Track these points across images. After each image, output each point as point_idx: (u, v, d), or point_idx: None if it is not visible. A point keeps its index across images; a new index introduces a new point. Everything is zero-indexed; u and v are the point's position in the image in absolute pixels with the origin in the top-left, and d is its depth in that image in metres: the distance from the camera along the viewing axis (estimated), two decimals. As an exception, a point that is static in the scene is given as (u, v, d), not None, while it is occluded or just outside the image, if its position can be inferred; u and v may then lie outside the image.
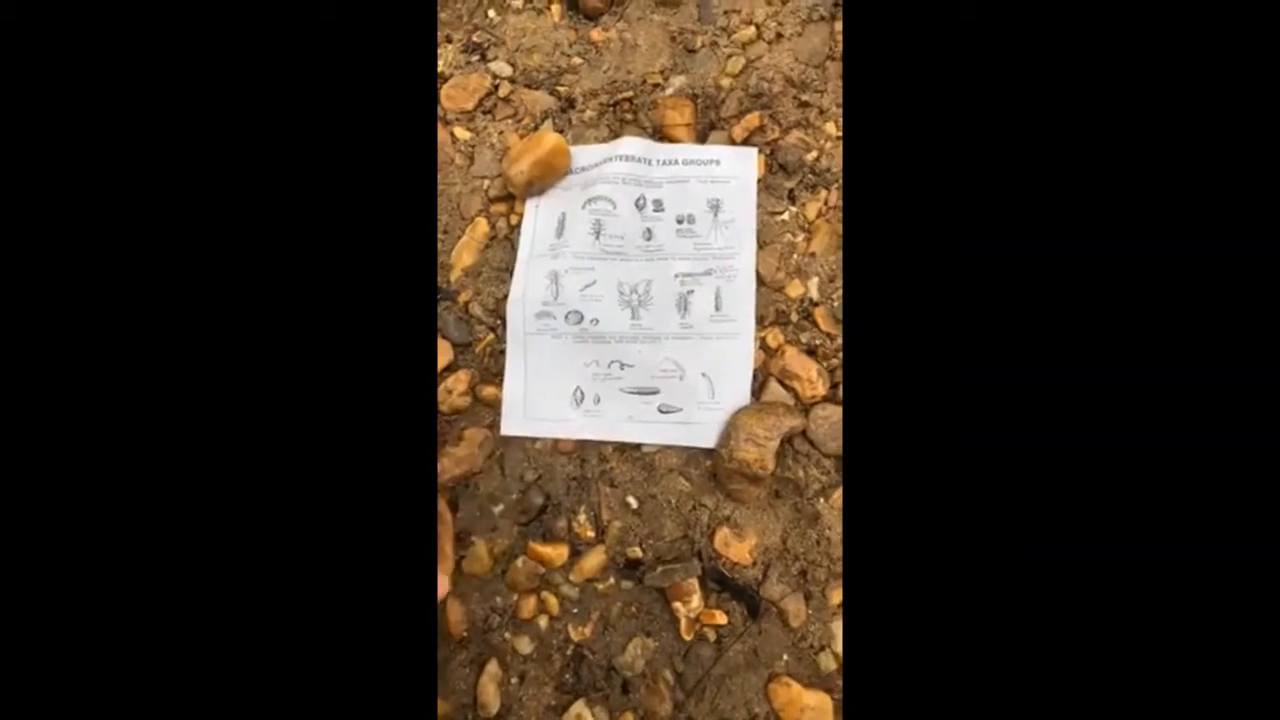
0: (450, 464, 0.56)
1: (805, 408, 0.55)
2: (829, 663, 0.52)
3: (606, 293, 0.59)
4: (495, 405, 0.58)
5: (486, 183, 0.64)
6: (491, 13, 0.70)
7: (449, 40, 0.69)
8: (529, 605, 0.54)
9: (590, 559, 0.55)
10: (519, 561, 0.55)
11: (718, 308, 0.58)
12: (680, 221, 0.60)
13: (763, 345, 0.57)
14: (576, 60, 0.67)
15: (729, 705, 0.51)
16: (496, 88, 0.67)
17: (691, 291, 0.58)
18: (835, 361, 0.56)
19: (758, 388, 0.57)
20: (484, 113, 0.67)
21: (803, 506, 0.54)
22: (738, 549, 0.54)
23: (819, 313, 0.58)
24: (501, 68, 0.67)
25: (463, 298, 0.61)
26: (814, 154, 0.62)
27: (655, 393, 0.57)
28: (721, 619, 0.53)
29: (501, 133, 0.65)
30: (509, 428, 0.57)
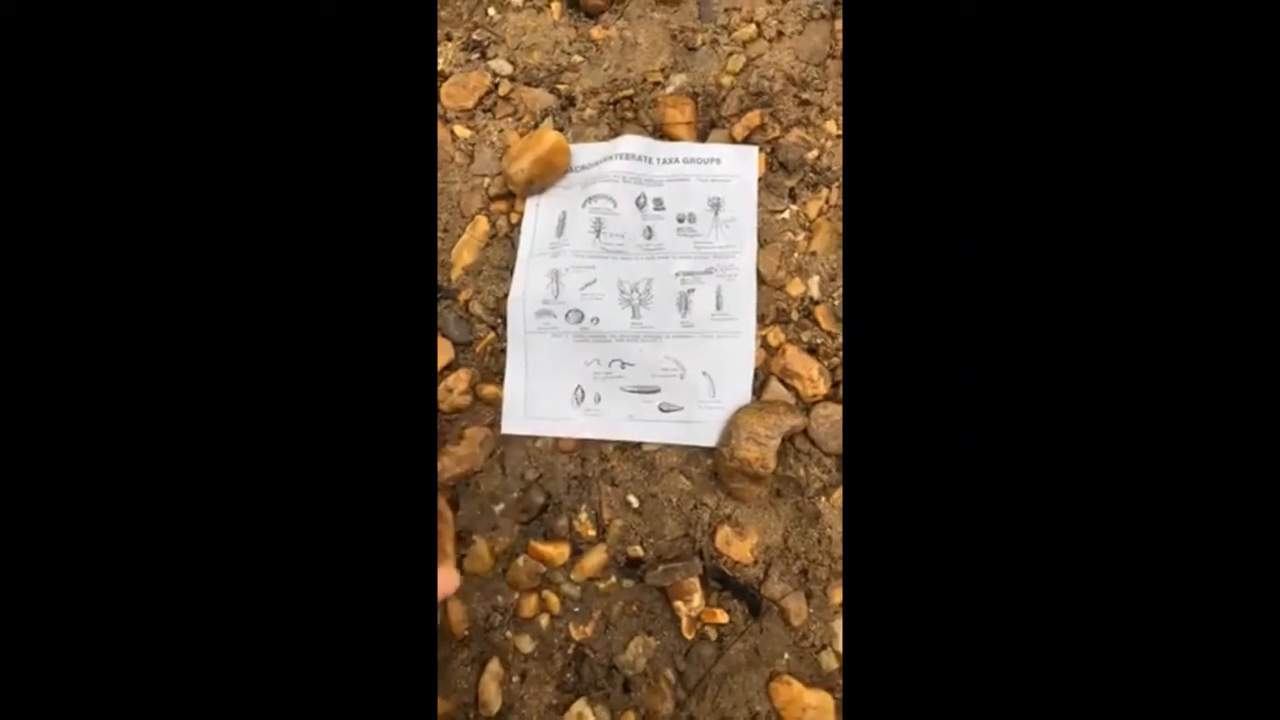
0: (451, 463, 0.56)
1: (806, 406, 0.55)
2: (830, 662, 0.52)
3: (607, 291, 0.59)
4: (496, 404, 0.58)
5: (487, 181, 0.64)
6: (491, 11, 0.70)
7: (449, 38, 0.69)
8: (530, 604, 0.54)
9: (591, 558, 0.55)
10: (520, 560, 0.55)
11: (718, 306, 0.58)
12: (681, 220, 0.60)
13: (764, 344, 0.57)
14: (577, 58, 0.67)
15: (730, 704, 0.51)
16: (496, 86, 0.67)
17: (692, 290, 0.58)
18: (836, 360, 0.56)
19: (759, 386, 0.56)
20: (484, 111, 0.66)
21: (804, 505, 0.54)
22: (739, 548, 0.54)
23: (820, 311, 0.58)
24: (502, 66, 0.67)
25: (463, 296, 0.61)
26: (815, 152, 0.61)
27: (656, 391, 0.57)
28: (723, 618, 0.53)
29: (502, 131, 0.65)
30: (510, 426, 0.57)
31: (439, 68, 0.68)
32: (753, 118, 0.62)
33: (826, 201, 0.60)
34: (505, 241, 0.62)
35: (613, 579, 0.55)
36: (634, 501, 0.56)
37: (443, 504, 0.55)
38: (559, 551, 0.55)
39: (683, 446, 0.56)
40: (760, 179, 0.61)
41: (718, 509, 0.55)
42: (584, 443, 0.57)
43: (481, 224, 0.62)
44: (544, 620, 0.54)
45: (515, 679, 0.53)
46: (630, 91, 0.65)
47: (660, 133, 0.63)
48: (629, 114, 0.65)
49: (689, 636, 0.53)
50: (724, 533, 0.54)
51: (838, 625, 0.52)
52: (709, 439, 0.56)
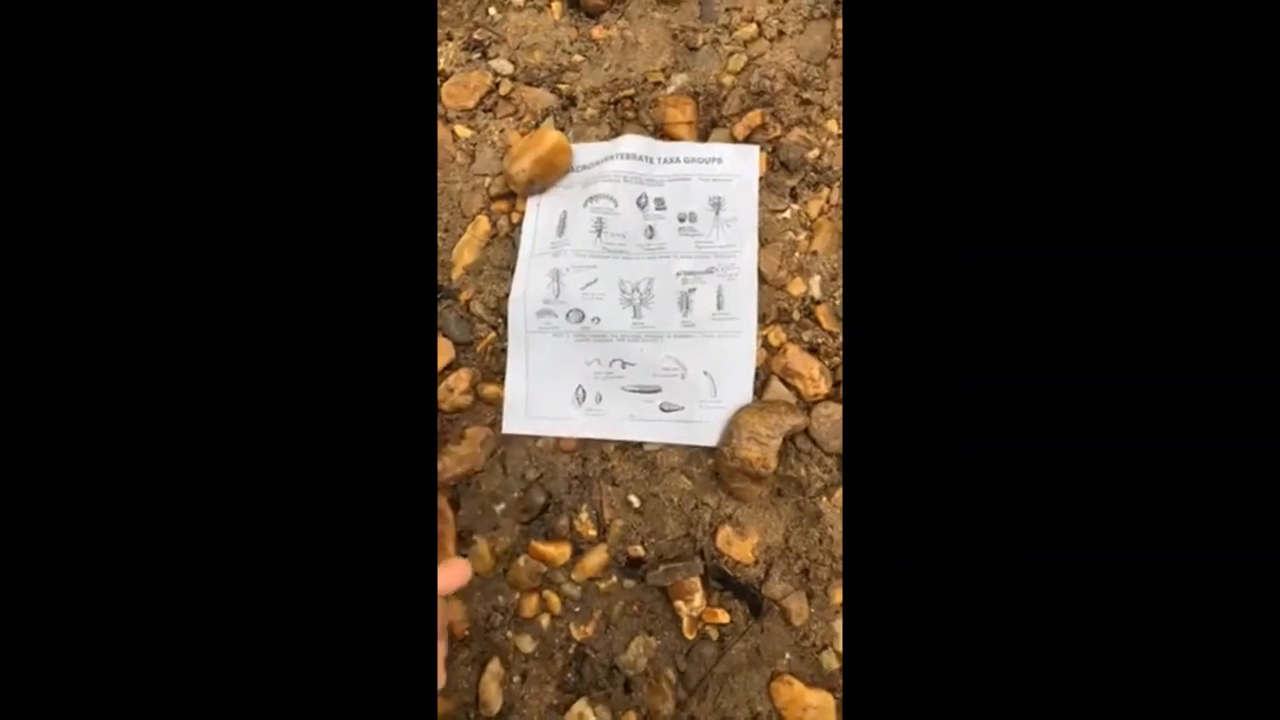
0: (452, 462, 0.56)
1: (807, 406, 0.55)
2: (831, 662, 0.52)
3: (608, 291, 0.59)
4: (497, 404, 0.58)
5: (488, 180, 0.64)
6: (492, 10, 0.70)
7: (450, 38, 0.69)
8: (531, 604, 0.54)
9: (592, 558, 0.54)
10: (521, 560, 0.55)
11: (719, 306, 0.58)
12: (682, 220, 0.60)
13: (765, 344, 0.57)
14: (578, 58, 0.67)
15: (731, 704, 0.51)
16: (497, 85, 0.67)
17: (693, 290, 0.58)
18: (837, 360, 0.56)
19: (760, 386, 0.56)
20: (485, 110, 0.66)
21: (805, 505, 0.54)
22: (740, 548, 0.54)
23: (821, 311, 0.58)
24: (503, 65, 0.67)
25: (464, 296, 0.61)
26: (816, 152, 0.61)
27: (657, 391, 0.57)
28: (724, 618, 0.53)
29: (502, 130, 0.65)
30: (510, 426, 0.57)
31: (440, 67, 0.68)
32: (754, 117, 0.62)
33: (828, 201, 0.60)
34: (506, 241, 0.62)
35: (614, 579, 0.55)
36: (635, 501, 0.56)
37: (444, 503, 0.55)
38: (560, 551, 0.55)
39: (684, 446, 0.56)
40: (761, 178, 0.61)
41: (719, 509, 0.55)
42: (585, 442, 0.57)
43: (482, 224, 0.62)
44: (545, 620, 0.54)
45: (516, 679, 0.53)
46: (631, 91, 0.65)
47: (661, 132, 0.63)
48: (630, 114, 0.65)
49: (690, 636, 0.53)
50: (725, 532, 0.54)
51: (839, 625, 0.52)
52: (710, 439, 0.56)
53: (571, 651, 0.53)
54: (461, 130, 0.66)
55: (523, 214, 0.62)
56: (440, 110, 0.66)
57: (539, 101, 0.65)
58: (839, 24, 0.64)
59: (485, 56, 0.68)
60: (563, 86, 0.66)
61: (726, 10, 0.66)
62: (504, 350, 0.59)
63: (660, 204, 0.61)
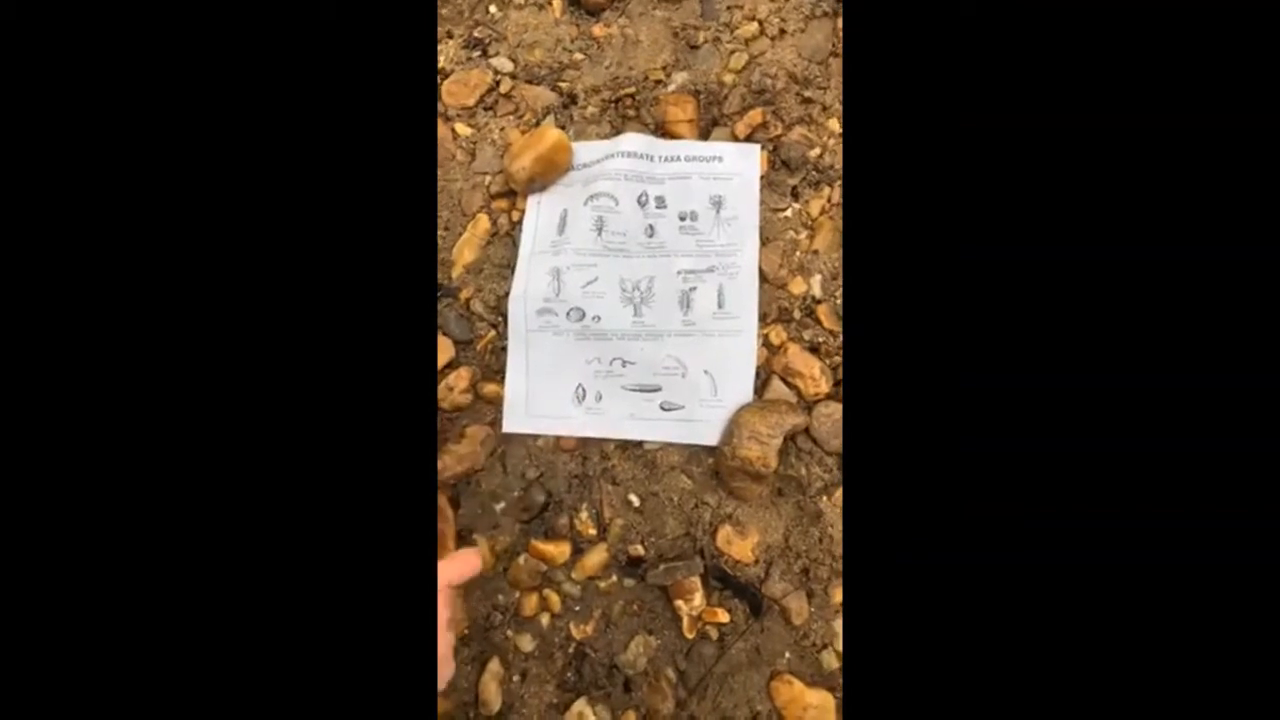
0: (452, 461, 0.56)
1: (808, 405, 0.55)
2: (831, 661, 0.52)
3: (608, 290, 0.59)
4: (497, 402, 0.58)
5: (488, 179, 0.64)
6: (493, 8, 0.70)
7: (450, 36, 0.69)
8: (531, 603, 0.54)
9: (592, 557, 0.54)
10: (521, 559, 0.55)
11: (720, 305, 0.57)
12: (683, 218, 0.60)
13: (765, 342, 0.57)
14: (578, 56, 0.67)
15: (731, 703, 0.51)
16: (498, 83, 0.67)
17: (694, 288, 0.58)
18: (838, 359, 0.56)
19: (760, 385, 0.56)
20: (485, 109, 0.66)
21: (805, 504, 0.54)
22: (740, 547, 0.54)
23: (822, 310, 0.57)
24: (503, 63, 0.67)
25: (464, 294, 0.60)
26: (817, 150, 0.61)
27: (657, 390, 0.57)
28: (724, 617, 0.53)
29: (503, 129, 0.65)
30: (511, 425, 0.57)
31: (440, 65, 0.68)
32: (755, 115, 0.62)
33: (829, 200, 0.60)
34: (506, 240, 0.62)
35: (614, 578, 0.54)
36: (635, 500, 0.56)
37: (444, 502, 0.55)
38: (560, 550, 0.55)
39: (684, 445, 0.56)
40: (762, 177, 0.61)
41: (719, 508, 0.55)
42: (585, 441, 0.57)
43: (483, 222, 0.62)
44: (545, 619, 0.54)
45: (516, 678, 0.53)
46: (632, 89, 0.65)
47: (662, 130, 0.63)
48: (631, 112, 0.64)
49: (690, 636, 0.53)
50: (725, 532, 0.54)
51: (839, 624, 0.52)
52: (710, 438, 0.55)
53: (571, 651, 0.53)
54: (462, 128, 0.65)
55: (523, 212, 0.62)
56: (440, 108, 0.66)
57: (539, 99, 0.65)
58: (840, 22, 0.64)
59: (485, 54, 0.68)
60: (563, 84, 0.66)
61: (728, 8, 0.66)
62: (504, 349, 0.59)
63: (661, 202, 0.60)
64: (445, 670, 0.42)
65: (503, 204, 0.63)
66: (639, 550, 0.55)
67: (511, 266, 0.60)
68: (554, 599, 0.54)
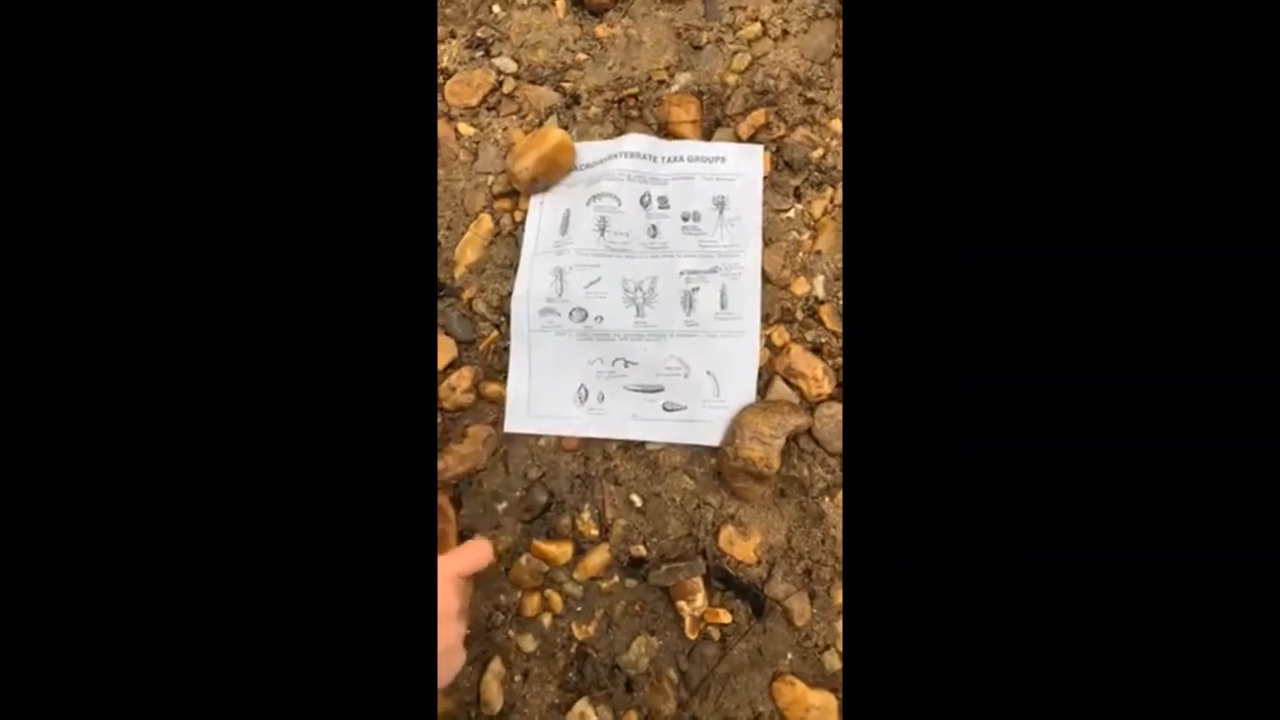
0: (454, 461, 0.56)
1: (810, 406, 0.55)
2: (833, 662, 0.52)
3: (611, 290, 0.59)
4: (499, 402, 0.58)
5: (491, 179, 0.64)
6: (496, 8, 0.70)
7: (453, 36, 0.69)
8: (533, 603, 0.54)
9: (594, 557, 0.54)
10: (523, 559, 0.55)
11: (723, 305, 0.57)
12: (685, 219, 0.60)
13: (768, 343, 0.57)
14: (581, 56, 0.67)
15: (733, 704, 0.51)
16: (501, 84, 0.67)
17: (697, 289, 0.58)
18: (840, 360, 0.56)
19: (763, 386, 0.56)
20: (488, 109, 0.66)
21: (807, 505, 0.54)
22: (742, 547, 0.54)
23: (824, 311, 0.57)
24: (506, 63, 0.67)
25: (467, 294, 0.60)
26: (820, 151, 0.61)
27: (660, 390, 0.57)
28: (726, 618, 0.53)
29: (506, 129, 0.65)
30: (513, 425, 0.57)
31: (443, 65, 0.68)
32: (758, 116, 0.62)
33: (831, 201, 0.60)
34: (509, 240, 0.62)
35: (615, 578, 0.54)
36: (637, 501, 0.56)
37: (446, 502, 0.55)
38: (562, 550, 0.54)
39: (686, 446, 0.56)
40: (765, 178, 0.61)
41: (721, 508, 0.55)
42: (587, 441, 0.57)
43: (485, 222, 0.62)
44: (546, 619, 0.54)
45: (517, 678, 0.53)
46: (635, 90, 0.65)
47: (665, 131, 0.63)
48: (634, 112, 0.64)
49: (692, 636, 0.53)
50: (727, 532, 0.54)
51: (841, 626, 0.52)
52: (713, 438, 0.55)
53: (573, 651, 0.53)
54: (465, 128, 0.65)
55: (526, 212, 0.62)
56: (443, 108, 0.66)
57: (542, 100, 0.65)
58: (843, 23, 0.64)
59: (489, 54, 0.68)
60: (566, 85, 0.66)
61: (730, 9, 0.66)
62: (506, 349, 0.59)
63: (664, 203, 0.60)
64: (456, 660, 0.41)
65: (505, 204, 0.63)
66: (641, 551, 0.55)
67: (514, 266, 0.60)
68: (556, 599, 0.54)
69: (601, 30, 0.67)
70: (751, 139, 0.62)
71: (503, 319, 0.60)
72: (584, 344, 0.58)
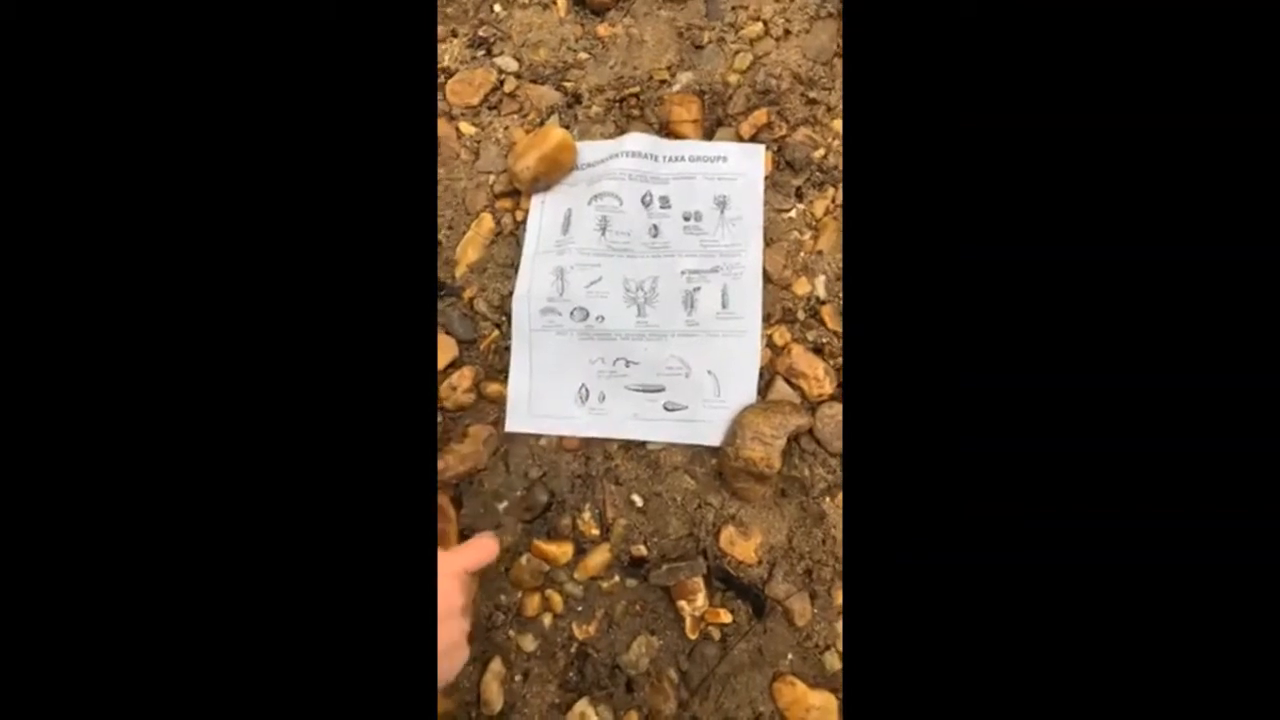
0: (455, 460, 0.56)
1: (812, 406, 0.55)
2: (834, 662, 0.51)
3: (612, 289, 0.58)
4: (500, 402, 0.58)
5: (492, 178, 0.64)
6: (497, 7, 0.70)
7: (454, 35, 0.69)
8: (533, 603, 0.54)
9: (595, 557, 0.54)
10: (523, 559, 0.55)
11: (724, 305, 0.57)
12: (687, 218, 0.60)
13: (769, 343, 0.57)
14: (583, 56, 0.67)
15: (734, 704, 0.51)
16: (502, 83, 0.66)
17: (698, 289, 0.58)
18: (841, 360, 0.56)
19: (764, 386, 0.56)
20: (489, 108, 0.66)
21: (808, 505, 0.54)
22: (743, 548, 0.54)
23: (826, 311, 0.57)
24: (507, 63, 0.67)
25: (468, 294, 0.60)
26: (821, 151, 0.61)
27: (661, 390, 0.57)
28: (726, 618, 0.53)
29: (507, 128, 0.65)
30: (514, 424, 0.57)
31: (445, 64, 0.67)
32: (759, 116, 0.62)
33: (833, 200, 0.60)
34: (510, 239, 0.62)
35: (616, 578, 0.54)
36: (638, 501, 0.56)
37: (446, 501, 0.55)
38: (562, 550, 0.54)
39: (687, 446, 0.56)
40: (767, 177, 0.61)
41: (722, 509, 0.55)
42: (588, 441, 0.57)
43: (486, 221, 0.62)
44: (547, 619, 0.54)
45: (518, 678, 0.53)
46: (636, 89, 0.64)
47: (666, 130, 0.63)
48: (635, 111, 0.64)
49: (692, 636, 0.53)
50: (728, 532, 0.54)
51: (841, 626, 0.52)
52: (714, 438, 0.55)
53: (573, 651, 0.53)
54: (466, 127, 0.65)
55: (527, 212, 0.62)
56: (445, 107, 0.66)
57: (544, 99, 0.65)
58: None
59: (490, 54, 0.68)
60: (568, 84, 0.66)
61: (732, 8, 0.66)
62: (507, 348, 0.59)
63: (665, 202, 0.60)
64: (460, 656, 0.41)
65: (507, 203, 0.63)
66: (642, 550, 0.55)
67: (515, 266, 0.60)
68: (556, 599, 0.54)
69: (603, 29, 0.67)
70: (753, 139, 0.62)
71: (504, 318, 0.60)
72: (585, 343, 0.58)
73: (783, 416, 0.53)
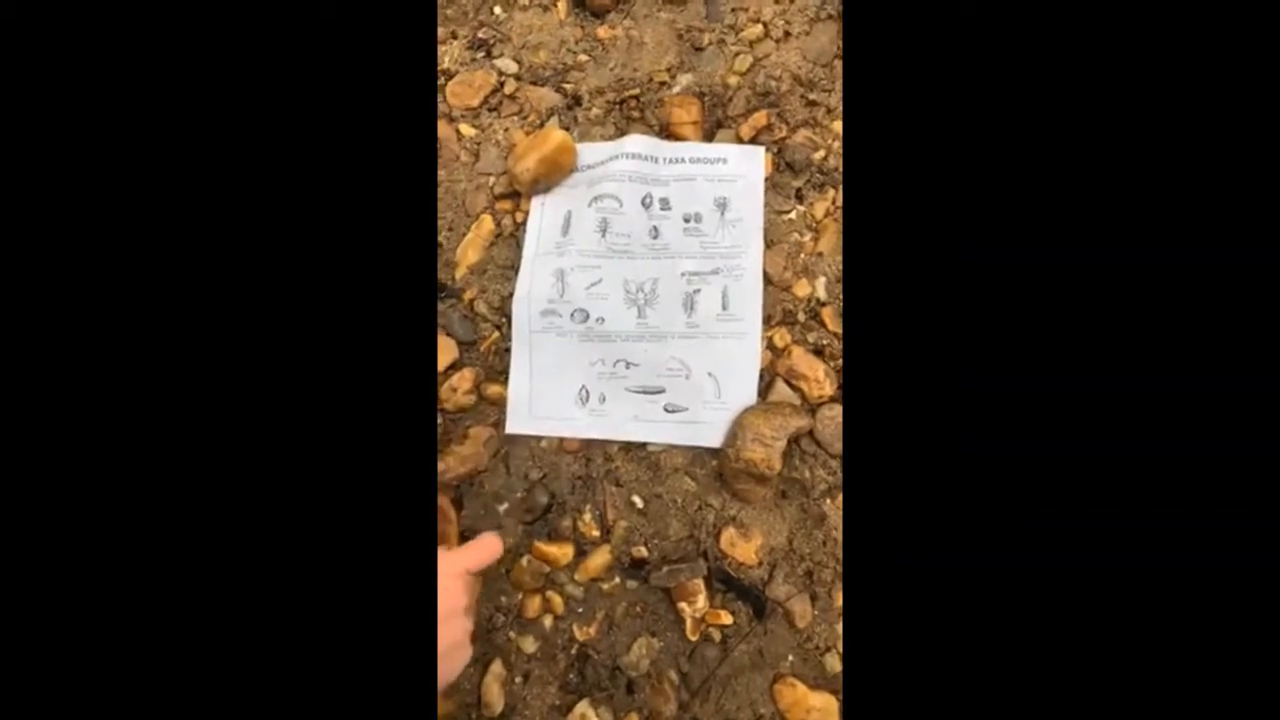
0: (455, 462, 0.56)
1: (812, 408, 0.55)
2: (835, 664, 0.51)
3: (612, 291, 0.59)
4: (500, 404, 0.58)
5: (492, 180, 0.64)
6: (497, 9, 0.70)
7: (454, 37, 0.69)
8: (534, 604, 0.54)
9: (595, 558, 0.54)
10: (524, 560, 0.55)
11: (724, 307, 0.57)
12: (687, 220, 0.60)
13: (770, 345, 0.57)
14: (583, 57, 0.67)
15: (734, 706, 0.51)
16: (502, 85, 0.67)
17: (698, 290, 0.58)
18: (842, 361, 0.56)
19: (764, 387, 0.56)
20: (489, 110, 0.66)
21: (809, 507, 0.54)
22: (743, 549, 0.54)
23: (826, 312, 0.57)
24: (507, 64, 0.67)
25: (468, 295, 0.60)
26: (821, 153, 0.61)
27: (661, 392, 0.57)
28: (727, 619, 0.53)
29: (507, 130, 0.65)
30: (514, 426, 0.57)
31: (445, 66, 0.68)
32: (759, 118, 0.62)
33: (833, 202, 0.60)
34: (510, 241, 0.62)
35: (617, 580, 0.54)
36: (638, 502, 0.56)
37: (447, 503, 0.55)
38: (563, 552, 0.54)
39: (688, 447, 0.56)
40: (767, 179, 0.61)
41: (723, 510, 0.55)
42: (588, 443, 0.57)
43: (486, 223, 0.62)
44: (547, 621, 0.54)
45: (518, 679, 0.53)
46: (636, 91, 0.65)
47: (666, 132, 0.63)
48: (635, 113, 0.64)
49: (693, 638, 0.53)
50: (729, 534, 0.54)
51: (842, 628, 0.52)
52: (714, 440, 0.55)
53: (574, 652, 0.53)
54: (466, 129, 0.65)
55: (527, 213, 0.62)
56: (445, 109, 0.66)
57: (544, 101, 0.65)
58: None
59: (490, 55, 0.68)
60: (568, 86, 0.66)
61: (732, 10, 0.66)
62: (508, 350, 0.59)
63: (665, 204, 0.60)
64: (462, 655, 0.41)
65: (507, 205, 0.63)
66: (642, 552, 0.55)
67: (515, 268, 0.60)
68: (557, 601, 0.54)
69: (603, 31, 0.67)
70: (753, 140, 0.62)
71: (504, 320, 0.60)
72: (585, 345, 0.58)
73: (783, 418, 0.53)
